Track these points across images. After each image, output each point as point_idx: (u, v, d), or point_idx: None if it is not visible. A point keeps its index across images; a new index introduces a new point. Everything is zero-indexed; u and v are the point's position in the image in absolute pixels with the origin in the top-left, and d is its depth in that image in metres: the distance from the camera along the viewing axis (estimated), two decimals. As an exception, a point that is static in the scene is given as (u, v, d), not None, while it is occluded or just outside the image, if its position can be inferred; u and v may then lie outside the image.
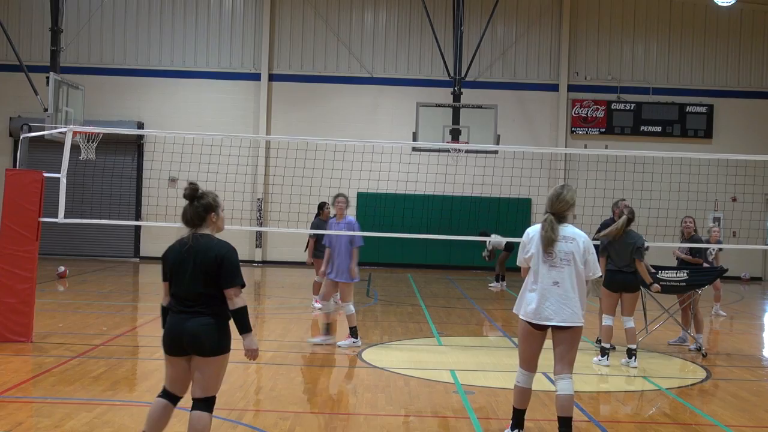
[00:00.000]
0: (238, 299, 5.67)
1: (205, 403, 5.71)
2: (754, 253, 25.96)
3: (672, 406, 8.84)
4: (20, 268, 10.90)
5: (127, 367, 9.97)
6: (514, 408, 6.95)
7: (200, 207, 5.77)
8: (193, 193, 5.79)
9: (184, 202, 5.93)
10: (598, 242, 10.40)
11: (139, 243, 26.61)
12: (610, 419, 8.02)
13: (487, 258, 20.40)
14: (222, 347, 5.68)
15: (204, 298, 5.65)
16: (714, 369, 10.20)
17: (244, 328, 5.71)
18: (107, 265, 24.14)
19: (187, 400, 5.87)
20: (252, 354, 5.80)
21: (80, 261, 23.80)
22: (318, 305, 15.67)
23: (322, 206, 16.03)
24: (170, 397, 5.83)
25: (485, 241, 19.29)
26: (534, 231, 6.86)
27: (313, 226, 15.86)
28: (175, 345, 5.69)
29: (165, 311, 5.82)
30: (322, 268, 11.94)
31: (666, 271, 11.94)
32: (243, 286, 5.70)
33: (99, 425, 7.16)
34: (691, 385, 9.74)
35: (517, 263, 7.01)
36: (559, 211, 6.77)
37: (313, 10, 26.94)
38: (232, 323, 5.74)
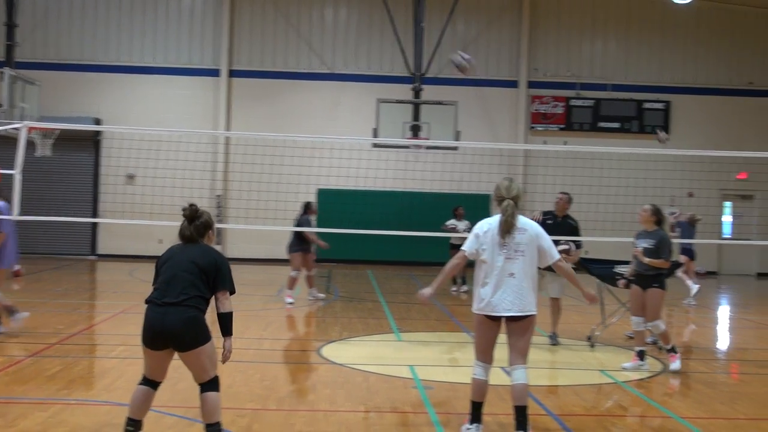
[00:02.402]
0: (228, 303, 6.21)
1: (210, 384, 6.16)
2: (710, 247, 26.29)
3: (629, 399, 8.93)
4: (-27, 266, 10.73)
5: (83, 365, 9.86)
6: (471, 401, 6.97)
7: (201, 226, 6.35)
8: (193, 214, 6.34)
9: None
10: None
11: (96, 240, 26.32)
12: (568, 413, 8.07)
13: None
14: (204, 338, 6.07)
15: (192, 291, 6.03)
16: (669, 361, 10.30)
17: (228, 331, 6.21)
18: (63, 263, 23.85)
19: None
20: (228, 356, 6.29)
21: (36, 259, 23.46)
22: (290, 300, 15.69)
23: (308, 205, 16.25)
24: (151, 383, 6.22)
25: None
26: (488, 224, 6.86)
27: (302, 223, 16.06)
28: (157, 340, 6.04)
29: (147, 302, 6.21)
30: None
31: (622, 266, 12.06)
32: (233, 292, 6.24)
33: (54, 425, 7.06)
34: (648, 377, 9.84)
35: (465, 248, 6.88)
36: (515, 198, 6.81)
37: (273, 6, 26.82)
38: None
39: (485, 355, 6.91)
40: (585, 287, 7.17)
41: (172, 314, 5.95)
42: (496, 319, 6.80)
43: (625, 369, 10.17)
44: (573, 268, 7.31)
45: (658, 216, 10.32)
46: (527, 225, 6.86)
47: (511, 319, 6.78)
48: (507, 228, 6.73)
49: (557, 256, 6.92)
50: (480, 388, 6.92)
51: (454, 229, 18.16)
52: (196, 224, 6.32)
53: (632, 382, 9.56)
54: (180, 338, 5.97)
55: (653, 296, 10.16)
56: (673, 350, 10.09)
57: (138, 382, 6.25)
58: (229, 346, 6.25)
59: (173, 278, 6.06)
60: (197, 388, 6.25)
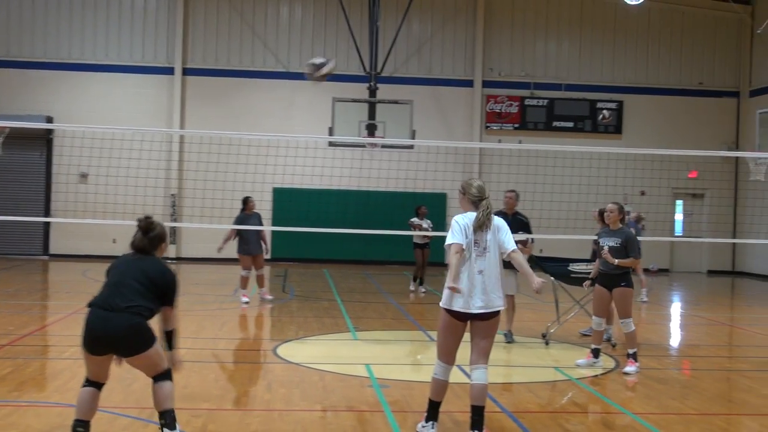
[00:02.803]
0: (174, 320, 6.35)
1: (164, 375, 6.21)
2: (662, 245, 26.67)
3: (582, 396, 9.03)
4: None
5: (34, 367, 9.72)
6: (430, 400, 6.97)
7: (155, 238, 6.35)
8: (147, 226, 6.33)
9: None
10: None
11: (48, 240, 25.97)
12: (522, 410, 8.14)
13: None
14: (149, 343, 6.09)
15: (138, 299, 6.02)
16: (623, 359, 10.43)
17: (173, 346, 6.39)
18: (14, 263, 23.48)
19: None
20: (179, 367, 6.51)
21: (-14, 259, 23.12)
22: (245, 299, 15.59)
23: (245, 201, 15.97)
24: (95, 384, 6.19)
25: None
26: (466, 220, 6.88)
27: (238, 221, 15.82)
28: (98, 345, 6.01)
29: (90, 305, 6.19)
30: None
31: (577, 264, 12.20)
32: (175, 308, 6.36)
33: (4, 427, 6.95)
34: (601, 375, 9.95)
35: (454, 241, 6.75)
36: (487, 198, 6.89)
37: (227, 4, 26.65)
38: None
39: (449, 357, 6.91)
40: (535, 276, 7.14)
41: (116, 320, 5.91)
42: (464, 319, 6.82)
43: (578, 365, 10.27)
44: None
45: (623, 214, 10.45)
46: (495, 222, 6.94)
47: (478, 318, 6.80)
48: (480, 225, 6.78)
49: (512, 246, 6.94)
50: (440, 387, 6.93)
51: (420, 227, 18.09)
52: (150, 236, 6.32)
53: (586, 379, 9.66)
54: (124, 345, 5.98)
55: (623, 295, 10.27)
56: (634, 356, 10.13)
57: (82, 384, 6.23)
58: (178, 358, 6.44)
59: (121, 285, 6.03)
60: (148, 387, 6.26)
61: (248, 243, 15.73)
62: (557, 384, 9.60)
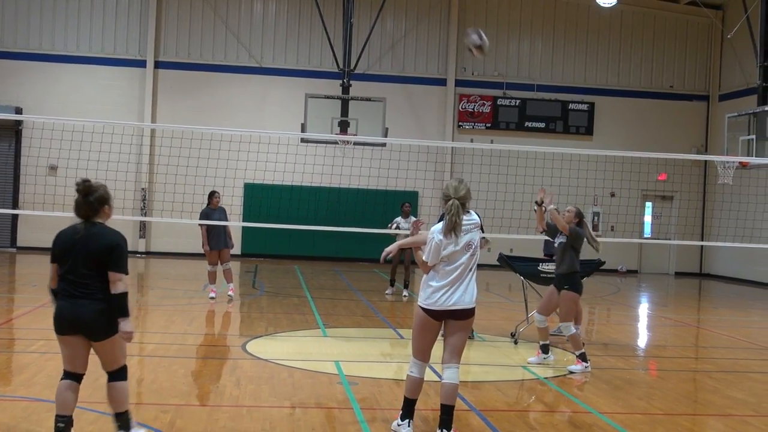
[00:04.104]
0: (121, 284, 5.99)
1: (119, 373, 6.16)
2: (631, 246, 26.90)
3: (550, 395, 9.09)
4: None
5: (0, 360, 9.63)
6: (405, 398, 6.99)
7: (95, 201, 6.09)
8: (87, 189, 6.09)
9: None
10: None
11: (16, 232, 25.71)
12: (491, 408, 8.18)
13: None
14: (113, 329, 6.03)
15: (95, 282, 5.97)
16: (590, 358, 10.51)
17: (123, 312, 6.03)
18: (-18, 255, 23.24)
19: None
20: (128, 336, 6.09)
21: (-48, 251, 22.86)
22: (213, 294, 15.51)
23: (210, 195, 15.83)
24: (72, 376, 6.13)
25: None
26: (435, 228, 6.91)
27: (203, 216, 15.67)
28: (67, 327, 6.00)
29: (55, 294, 6.11)
30: None
31: (547, 264, 12.27)
32: (126, 274, 6.06)
33: (-31, 420, 6.89)
34: (569, 374, 10.02)
35: (427, 260, 6.84)
36: (463, 198, 6.88)
37: (201, -2, 26.51)
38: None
39: (424, 355, 6.95)
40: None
41: (81, 306, 5.92)
42: (439, 318, 6.84)
43: (530, 363, 10.37)
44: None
45: (579, 218, 10.54)
46: (473, 221, 6.95)
47: (453, 318, 6.83)
48: (452, 227, 6.79)
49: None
50: (415, 385, 6.96)
51: (397, 227, 17.80)
52: (90, 200, 6.06)
53: (554, 379, 9.73)
54: (91, 329, 5.96)
55: (564, 299, 10.36)
56: (582, 357, 10.21)
57: (60, 378, 6.16)
58: (126, 326, 6.03)
59: (76, 274, 5.96)
60: (105, 388, 6.19)
61: (213, 238, 15.63)
62: (525, 383, 9.66)
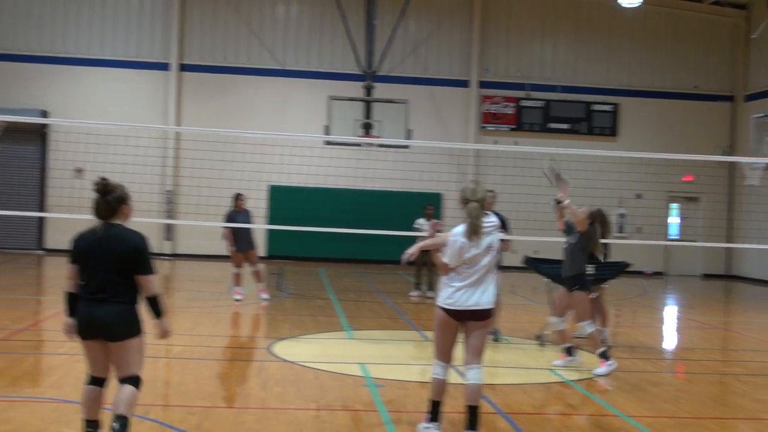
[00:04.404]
0: (154, 286, 5.96)
1: (130, 380, 5.96)
2: (657, 248, 26.73)
3: (577, 398, 9.05)
4: None
5: (29, 362, 9.71)
6: (431, 400, 7.00)
7: (113, 200, 5.95)
8: (104, 188, 5.95)
9: (89, 193, 6.03)
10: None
11: (43, 235, 25.92)
12: (517, 411, 8.15)
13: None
14: (133, 331, 5.94)
15: (115, 285, 5.86)
16: (617, 361, 10.46)
17: (160, 313, 6.02)
18: (9, 258, 23.44)
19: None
20: (166, 334, 6.15)
21: (-20, 253, 23.07)
22: (238, 296, 15.58)
23: (235, 197, 15.93)
24: (97, 381, 6.04)
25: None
26: (461, 231, 6.89)
27: (229, 218, 15.77)
28: (89, 330, 5.90)
29: (71, 297, 5.98)
30: None
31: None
32: (154, 274, 6.00)
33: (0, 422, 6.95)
34: (596, 377, 9.96)
35: (449, 262, 6.85)
36: (481, 200, 6.89)
37: (224, 0, 26.62)
38: (141, 307, 5.99)
39: (446, 355, 6.96)
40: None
41: (102, 307, 5.81)
42: (460, 317, 6.85)
43: (555, 366, 10.33)
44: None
45: (592, 219, 10.52)
46: (492, 223, 6.97)
47: (471, 318, 6.84)
48: (474, 230, 6.81)
49: None
50: (440, 387, 6.97)
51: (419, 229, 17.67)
52: (109, 199, 5.92)
53: (581, 381, 9.68)
54: (111, 329, 5.83)
55: (577, 299, 10.31)
56: (603, 355, 10.16)
57: (84, 382, 6.08)
58: (165, 324, 6.08)
59: (96, 277, 5.83)
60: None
61: (239, 240, 15.71)
62: (552, 386, 9.62)
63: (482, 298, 6.82)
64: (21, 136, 24.36)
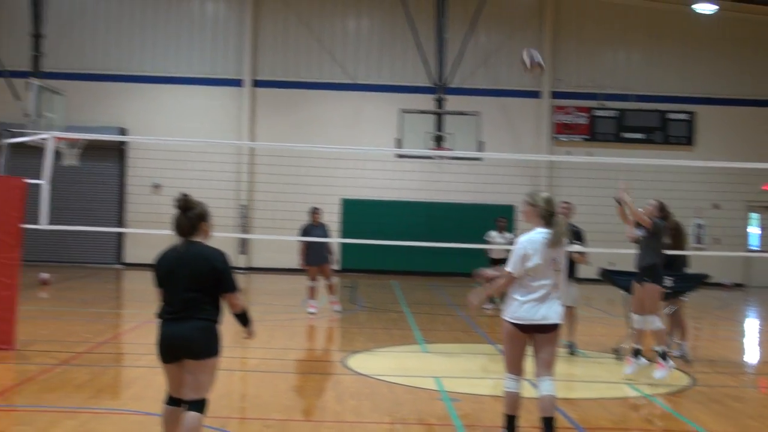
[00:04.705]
0: (239, 302, 6.00)
1: (198, 405, 5.83)
2: (736, 259, 26.09)
3: (656, 413, 8.88)
4: (2, 275, 10.80)
5: (110, 374, 9.92)
6: (505, 415, 6.95)
7: (194, 217, 5.94)
8: (185, 204, 5.94)
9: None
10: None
11: (122, 249, 26.48)
12: (595, 426, 8.03)
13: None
14: (212, 351, 5.87)
15: (197, 303, 5.81)
16: (698, 375, 10.25)
17: (249, 322, 6.18)
18: (90, 272, 24.01)
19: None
20: (251, 335, 6.29)
21: (63, 267, 23.65)
22: (312, 309, 15.70)
23: (311, 212, 16.10)
24: (176, 401, 5.97)
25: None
26: (534, 240, 6.84)
27: (304, 232, 15.92)
28: (169, 351, 5.85)
29: (160, 318, 5.97)
30: None
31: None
32: (239, 290, 6.01)
33: (83, 434, 7.11)
34: (676, 391, 9.76)
35: (512, 271, 6.80)
36: (556, 213, 6.90)
37: (295, 16, 26.94)
38: (222, 327, 5.95)
39: (517, 368, 6.91)
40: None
41: (184, 325, 5.76)
42: (527, 330, 6.80)
43: (626, 374, 10.15)
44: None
45: (663, 212, 10.40)
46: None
47: (540, 330, 6.78)
48: (557, 242, 6.81)
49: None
50: (513, 400, 6.91)
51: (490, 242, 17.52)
52: (189, 215, 5.91)
53: (660, 396, 9.49)
54: (192, 345, 5.75)
55: (648, 292, 10.15)
56: (663, 356, 9.95)
57: (164, 400, 6.05)
58: (252, 328, 6.24)
59: (178, 296, 5.80)
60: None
61: (313, 254, 15.85)
62: (630, 400, 9.45)
63: (549, 311, 6.75)
64: (100, 154, 24.92)
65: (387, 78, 26.99)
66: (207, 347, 5.82)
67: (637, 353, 10.28)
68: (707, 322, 17.70)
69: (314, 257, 15.81)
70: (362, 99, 26.76)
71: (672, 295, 11.67)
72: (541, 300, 6.75)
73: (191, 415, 5.80)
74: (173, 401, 5.97)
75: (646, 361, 10.28)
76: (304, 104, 26.74)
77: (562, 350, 11.78)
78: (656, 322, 10.09)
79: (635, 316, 10.42)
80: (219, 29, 26.99)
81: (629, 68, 27.44)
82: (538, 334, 6.82)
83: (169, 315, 5.84)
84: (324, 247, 15.91)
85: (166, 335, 5.83)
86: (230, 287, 5.91)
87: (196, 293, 5.80)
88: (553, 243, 6.78)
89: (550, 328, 6.80)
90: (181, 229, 5.95)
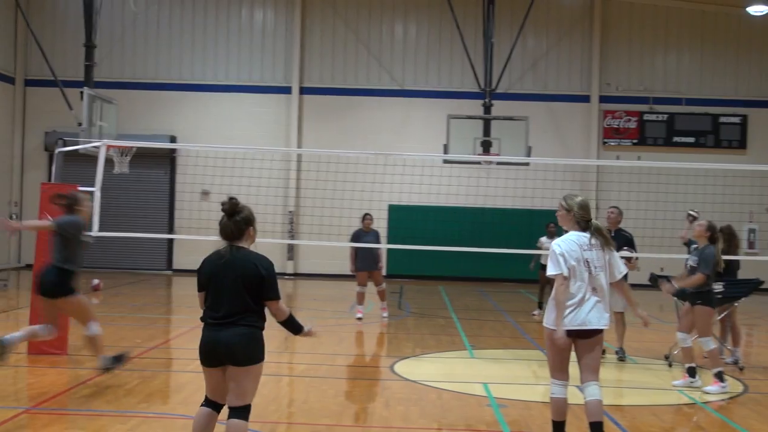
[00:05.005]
0: (282, 309, 5.92)
1: (241, 411, 5.81)
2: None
3: (708, 420, 8.73)
4: (55, 281, 10.96)
5: (160, 379, 10.02)
6: (553, 421, 6.90)
7: (241, 221, 5.91)
8: (233, 208, 5.91)
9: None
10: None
11: (172, 256, 26.77)
12: (646, 433, 7.93)
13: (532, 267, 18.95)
14: (256, 357, 5.83)
15: (242, 310, 5.77)
16: (751, 383, 10.06)
17: (299, 329, 6.13)
18: (140, 278, 24.31)
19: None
20: (311, 333, 6.24)
21: (114, 274, 23.99)
22: (359, 315, 15.74)
23: (363, 218, 16.16)
24: (213, 405, 5.97)
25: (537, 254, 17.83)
26: (569, 241, 6.82)
27: (354, 238, 16.00)
28: (212, 356, 5.83)
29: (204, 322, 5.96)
30: None
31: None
32: (280, 298, 5.94)
33: (133, 437, 7.19)
34: (728, 398, 9.60)
35: (556, 272, 6.76)
36: (590, 216, 6.88)
37: (343, 23, 27.05)
38: (266, 333, 5.90)
39: (561, 373, 6.86)
40: (640, 309, 7.13)
41: (228, 331, 5.71)
42: (569, 336, 6.74)
43: (675, 386, 10.00)
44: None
45: (712, 233, 10.10)
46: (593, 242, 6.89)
47: (584, 335, 6.72)
48: (609, 243, 6.83)
49: (622, 272, 6.96)
50: (560, 406, 6.86)
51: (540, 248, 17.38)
52: (236, 219, 5.87)
53: (713, 404, 9.34)
54: (236, 352, 5.71)
55: (699, 314, 9.96)
56: (719, 376, 9.75)
57: (201, 403, 6.03)
58: (308, 329, 6.19)
59: (222, 301, 5.77)
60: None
61: (363, 259, 15.90)
62: (682, 407, 9.31)
63: (589, 317, 6.70)
64: (150, 161, 25.25)
65: (434, 83, 26.97)
66: (251, 354, 5.78)
67: (692, 372, 10.07)
68: (761, 329, 17.38)
69: (364, 263, 15.86)
70: (409, 105, 26.78)
71: (724, 301, 11.49)
72: (580, 304, 6.70)
73: (236, 423, 5.78)
74: (209, 403, 5.97)
75: (701, 382, 10.05)
76: (351, 110, 26.84)
77: (611, 356, 11.69)
78: (709, 344, 9.91)
79: (680, 335, 10.24)
80: (267, 37, 27.20)
81: (679, 71, 27.10)
82: (580, 340, 6.78)
83: (213, 320, 5.80)
84: (374, 253, 15.95)
85: (210, 340, 5.80)
86: (274, 294, 5.87)
87: (241, 299, 5.76)
88: (588, 245, 6.75)
89: (592, 333, 6.75)
90: (228, 233, 5.91)
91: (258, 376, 5.88)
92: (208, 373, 5.92)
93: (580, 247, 6.76)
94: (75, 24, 25.25)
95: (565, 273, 6.70)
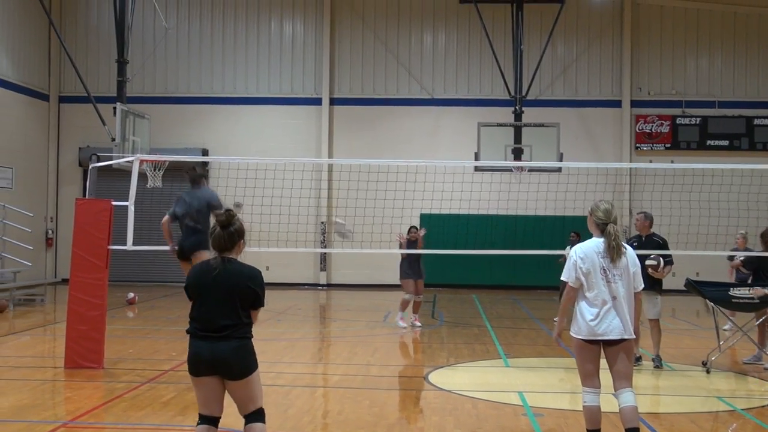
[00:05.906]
0: (259, 317, 5.95)
1: (257, 415, 5.82)
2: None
3: (747, 427, 8.60)
4: (91, 296, 11.10)
5: (191, 394, 10.03)
6: (587, 430, 6.84)
7: (234, 233, 5.89)
8: (229, 219, 5.91)
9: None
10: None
11: (206, 268, 26.88)
12: (685, 441, 7.83)
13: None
14: (252, 367, 5.79)
15: (235, 323, 5.74)
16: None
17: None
18: (175, 291, 24.42)
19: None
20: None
21: (148, 287, 24.15)
22: (403, 324, 15.76)
23: (409, 230, 16.43)
24: (209, 420, 5.84)
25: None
26: (586, 248, 6.78)
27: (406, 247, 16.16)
28: (203, 367, 5.73)
29: (189, 333, 5.89)
30: None
31: (739, 289, 11.68)
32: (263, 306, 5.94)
33: (169, 450, 7.22)
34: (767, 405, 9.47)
35: (566, 279, 6.78)
36: (615, 221, 6.80)
37: (372, 34, 27.12)
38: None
39: (592, 380, 6.80)
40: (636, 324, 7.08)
41: (218, 345, 5.67)
42: (597, 343, 6.70)
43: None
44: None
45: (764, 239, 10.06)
46: (625, 248, 6.84)
47: (610, 344, 6.69)
48: (616, 252, 6.68)
49: (640, 287, 6.87)
50: (593, 415, 6.80)
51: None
52: (230, 231, 5.84)
53: (753, 410, 9.21)
54: (233, 366, 5.68)
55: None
56: None
57: (196, 423, 5.88)
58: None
59: (214, 313, 5.71)
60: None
61: (413, 268, 16.01)
62: (720, 415, 9.18)
63: (611, 326, 6.64)
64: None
65: (464, 92, 26.95)
66: (246, 366, 5.75)
67: None
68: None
69: (412, 271, 15.97)
70: (440, 114, 26.78)
71: (763, 305, 11.34)
72: (601, 313, 6.66)
73: (258, 426, 5.78)
74: (205, 419, 5.83)
75: None
76: (381, 120, 26.88)
77: (648, 363, 11.57)
78: None
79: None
80: (297, 49, 27.34)
81: (711, 74, 26.87)
82: (608, 348, 6.75)
83: (202, 332, 5.74)
84: (420, 263, 16.09)
85: (202, 352, 5.71)
86: (260, 304, 5.87)
87: (234, 312, 5.73)
88: (612, 254, 6.69)
89: (617, 341, 6.70)
90: (220, 244, 5.87)
91: (258, 380, 5.84)
92: (200, 383, 5.79)
93: (597, 254, 6.73)
94: (107, 41, 25.56)
95: (572, 281, 6.73)
